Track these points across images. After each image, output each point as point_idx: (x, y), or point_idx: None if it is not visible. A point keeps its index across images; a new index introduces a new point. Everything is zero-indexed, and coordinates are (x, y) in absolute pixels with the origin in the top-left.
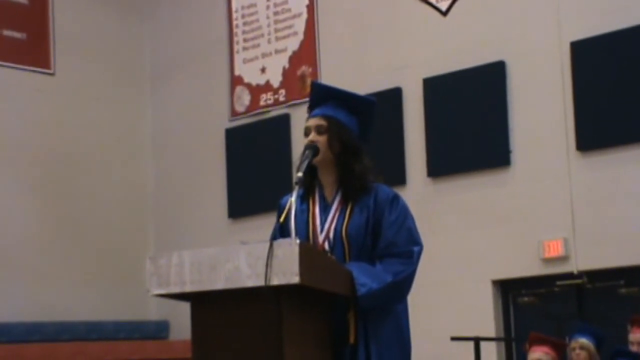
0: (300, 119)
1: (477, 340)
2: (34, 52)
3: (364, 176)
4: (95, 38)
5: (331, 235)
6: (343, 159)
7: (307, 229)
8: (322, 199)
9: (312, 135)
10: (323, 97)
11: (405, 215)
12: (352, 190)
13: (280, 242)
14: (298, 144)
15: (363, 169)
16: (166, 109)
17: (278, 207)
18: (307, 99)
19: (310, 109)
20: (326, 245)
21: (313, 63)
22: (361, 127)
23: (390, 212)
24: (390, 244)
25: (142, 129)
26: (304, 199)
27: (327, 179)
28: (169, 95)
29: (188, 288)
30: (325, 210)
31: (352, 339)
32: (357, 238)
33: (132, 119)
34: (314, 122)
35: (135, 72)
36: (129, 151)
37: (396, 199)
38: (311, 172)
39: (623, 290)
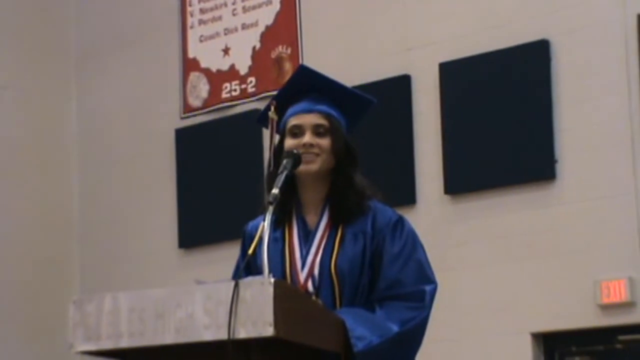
0: None
1: None
2: None
3: (363, 192)
4: (1, 10)
5: (316, 271)
6: (343, 169)
7: (284, 263)
8: (302, 223)
9: (309, 137)
10: (313, 87)
11: (413, 245)
12: (346, 210)
13: (249, 282)
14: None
15: (362, 183)
16: (96, 102)
17: (243, 235)
18: None
19: (284, 101)
20: (310, 285)
21: (292, 42)
22: (348, 131)
23: (394, 241)
24: (395, 282)
25: (64, 129)
26: (277, 224)
27: (311, 197)
28: (100, 84)
29: (125, 343)
30: (307, 238)
31: None
32: (351, 275)
33: (52, 117)
34: (310, 119)
35: (56, 54)
36: (46, 158)
37: (400, 223)
38: (289, 188)
39: None
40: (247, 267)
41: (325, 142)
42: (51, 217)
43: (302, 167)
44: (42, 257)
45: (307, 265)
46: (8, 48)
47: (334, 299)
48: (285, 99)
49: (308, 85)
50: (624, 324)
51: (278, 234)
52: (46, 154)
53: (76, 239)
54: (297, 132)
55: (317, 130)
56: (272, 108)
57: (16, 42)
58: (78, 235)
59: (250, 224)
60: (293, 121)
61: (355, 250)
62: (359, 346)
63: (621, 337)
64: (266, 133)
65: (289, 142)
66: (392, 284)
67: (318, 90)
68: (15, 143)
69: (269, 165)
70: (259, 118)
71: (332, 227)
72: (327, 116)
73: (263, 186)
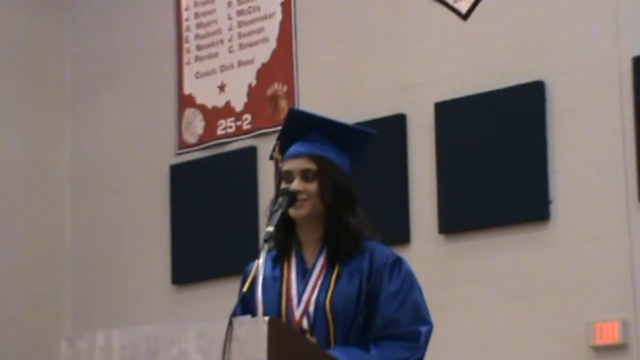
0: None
1: None
2: None
3: (359, 233)
4: None
5: (311, 308)
6: (336, 211)
7: (280, 301)
8: (301, 261)
9: (297, 183)
10: (305, 128)
11: (410, 285)
12: (342, 250)
13: (243, 320)
14: (267, 186)
15: (359, 224)
16: (90, 137)
17: (243, 275)
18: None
19: (285, 142)
20: (304, 323)
21: (288, 80)
22: (352, 166)
23: (391, 281)
24: (390, 322)
25: (57, 162)
26: (277, 262)
27: (309, 237)
28: (95, 118)
29: None
30: (304, 275)
31: None
32: (346, 312)
33: (45, 150)
34: (298, 163)
35: (51, 87)
36: (39, 192)
37: (398, 263)
38: (287, 226)
39: None
40: (245, 305)
41: (312, 186)
42: (43, 251)
43: (292, 212)
44: (34, 292)
45: (302, 302)
46: (2, 80)
47: (328, 336)
48: (285, 141)
49: (303, 126)
50: None
51: (277, 271)
52: (39, 188)
53: (68, 274)
54: (288, 177)
55: (305, 175)
56: (277, 148)
57: (10, 74)
58: (70, 270)
59: (251, 263)
60: (285, 166)
61: (350, 289)
62: None
63: None
64: (261, 170)
65: (284, 185)
66: (387, 323)
67: (314, 129)
68: (8, 176)
69: (272, 204)
70: (270, 157)
71: (328, 265)
72: (315, 159)
73: (258, 224)
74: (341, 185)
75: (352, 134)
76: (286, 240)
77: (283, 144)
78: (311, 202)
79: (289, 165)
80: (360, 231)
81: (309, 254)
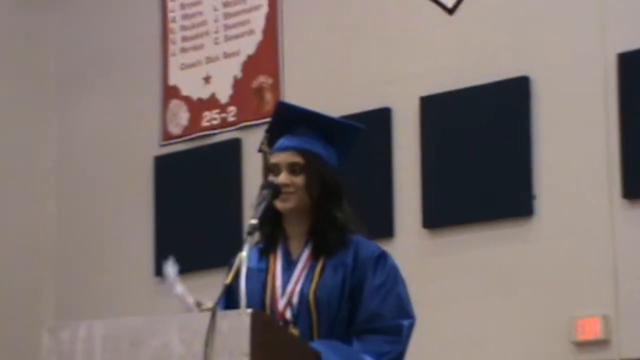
0: (255, 146)
1: None
2: None
3: (345, 227)
4: None
5: (295, 300)
6: (323, 205)
7: (264, 293)
8: (287, 254)
9: (284, 176)
10: (293, 122)
11: (394, 280)
12: (328, 243)
13: (226, 312)
14: (251, 179)
15: (345, 218)
16: (75, 129)
17: (228, 267)
18: (264, 120)
19: (273, 135)
20: (288, 314)
21: (274, 72)
22: (339, 161)
23: (375, 275)
24: (374, 316)
25: (42, 155)
26: (263, 255)
27: (296, 230)
28: (79, 110)
29: None
30: (289, 268)
31: None
32: (329, 305)
33: (29, 143)
34: (285, 157)
35: (35, 79)
36: (23, 184)
37: (383, 257)
38: (274, 220)
39: None
40: (229, 297)
41: (299, 180)
42: (27, 243)
43: (279, 205)
44: (17, 284)
45: (286, 294)
46: None
47: (312, 328)
48: (273, 133)
49: (292, 119)
50: None
51: (263, 264)
52: (23, 180)
53: (52, 265)
54: (276, 170)
55: (292, 169)
56: (265, 141)
57: None
58: (54, 262)
59: (237, 256)
60: (272, 159)
61: (334, 282)
62: None
63: None
64: (245, 163)
65: (272, 178)
66: (371, 316)
67: (303, 123)
68: None
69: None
70: (258, 149)
71: (314, 258)
72: (302, 153)
73: (242, 216)
74: (328, 179)
75: (340, 128)
76: (273, 233)
77: (271, 137)
78: (298, 195)
79: (276, 158)
80: (347, 225)
81: (294, 246)
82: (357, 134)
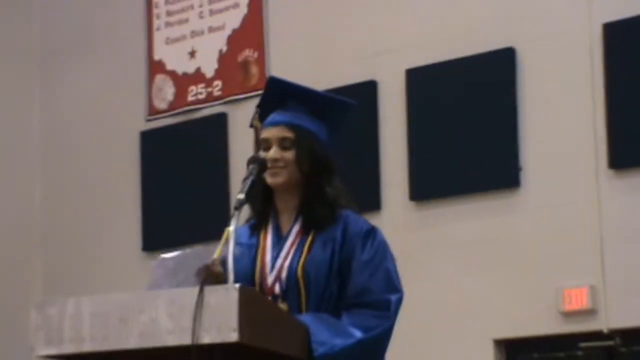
0: (241, 120)
1: None
2: None
3: (335, 201)
4: None
5: (284, 274)
6: (313, 180)
7: (254, 268)
8: (277, 228)
9: (274, 151)
10: (284, 97)
11: (383, 255)
12: (316, 219)
13: (214, 288)
14: (237, 153)
15: (335, 193)
16: (60, 104)
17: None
18: (249, 94)
19: (265, 110)
20: (277, 288)
21: (259, 46)
22: (330, 136)
23: (364, 250)
24: (362, 290)
25: (26, 131)
26: (254, 230)
27: (286, 205)
28: (65, 85)
29: (87, 347)
30: (279, 243)
31: None
32: (318, 280)
33: (14, 118)
34: (276, 132)
35: (19, 54)
36: (8, 160)
37: (372, 232)
38: (265, 195)
39: None
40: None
41: (290, 155)
42: (13, 219)
43: (269, 180)
44: (4, 260)
45: (275, 268)
46: None
47: (300, 303)
48: (264, 108)
49: (282, 95)
50: (586, 331)
51: (253, 239)
52: (8, 156)
53: (38, 241)
54: (266, 145)
55: (283, 144)
56: (256, 116)
57: None
58: (40, 237)
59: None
60: (263, 134)
61: (323, 256)
62: (319, 351)
63: (582, 344)
64: (231, 137)
65: (262, 154)
66: (360, 291)
67: (293, 98)
68: None
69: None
70: (250, 124)
71: (303, 233)
72: (293, 128)
73: (228, 190)
74: (318, 154)
75: (331, 104)
76: (264, 209)
77: (262, 112)
78: (288, 170)
79: (267, 133)
80: (336, 200)
81: (285, 221)
82: (347, 109)
